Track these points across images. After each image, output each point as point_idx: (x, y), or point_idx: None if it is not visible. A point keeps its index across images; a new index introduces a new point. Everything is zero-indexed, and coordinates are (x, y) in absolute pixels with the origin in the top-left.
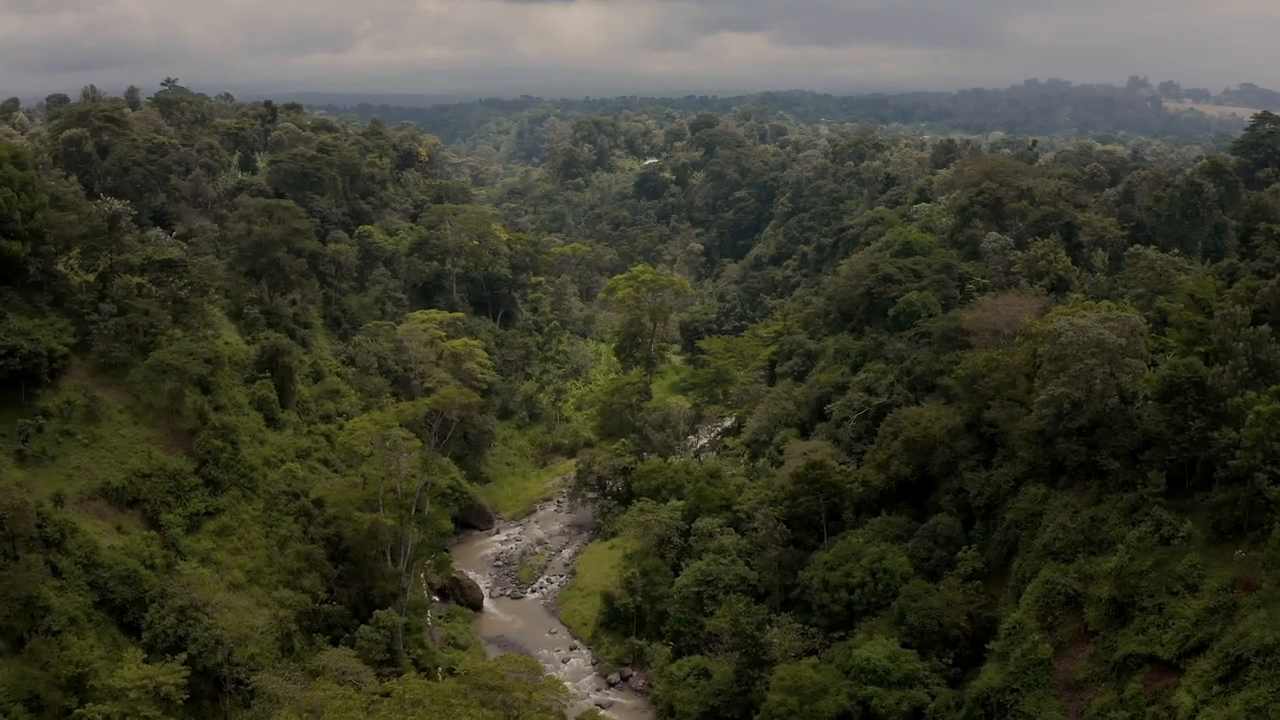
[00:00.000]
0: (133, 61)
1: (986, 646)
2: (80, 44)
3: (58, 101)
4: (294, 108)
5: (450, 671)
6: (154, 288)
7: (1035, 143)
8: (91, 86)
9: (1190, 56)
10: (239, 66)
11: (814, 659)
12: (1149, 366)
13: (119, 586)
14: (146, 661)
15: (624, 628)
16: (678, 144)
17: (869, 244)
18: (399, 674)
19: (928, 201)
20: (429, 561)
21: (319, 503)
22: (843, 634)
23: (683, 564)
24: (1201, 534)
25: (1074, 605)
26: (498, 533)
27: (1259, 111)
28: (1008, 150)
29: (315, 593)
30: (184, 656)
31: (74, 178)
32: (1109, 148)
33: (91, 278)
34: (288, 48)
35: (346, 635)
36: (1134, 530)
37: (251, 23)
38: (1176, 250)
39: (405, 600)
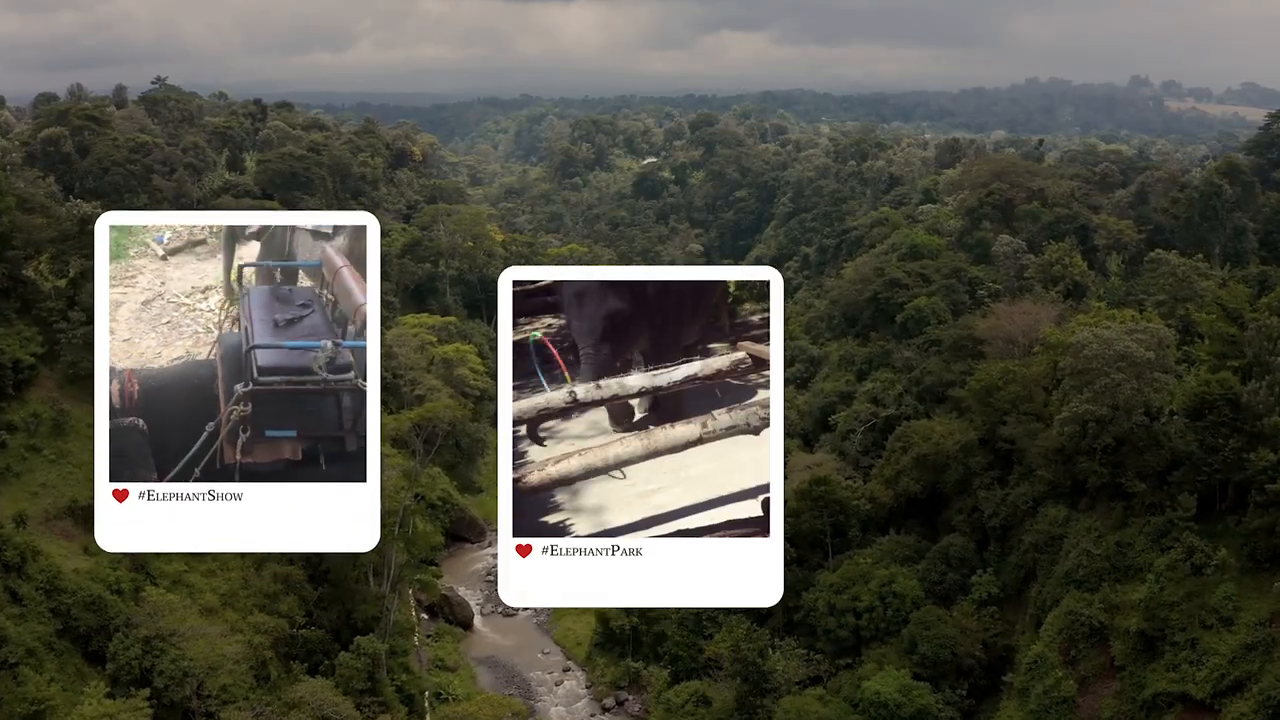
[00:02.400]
0: (132, 60)
1: (1003, 678)
2: (79, 43)
3: (45, 100)
4: (285, 106)
5: (437, 697)
6: None
7: (1042, 142)
8: (78, 84)
9: (1191, 56)
10: (239, 65)
11: (820, 689)
12: (1176, 379)
13: (83, 614)
14: (110, 695)
15: (620, 649)
16: (677, 143)
17: (873, 246)
18: (382, 704)
19: (934, 202)
20: (415, 581)
21: None
22: (850, 661)
23: None
24: (1236, 562)
25: (1099, 638)
26: (490, 545)
27: (1271, 111)
28: (1012, 150)
29: (293, 617)
30: (148, 691)
31: (51, 179)
32: (1114, 147)
33: (62, 283)
34: (287, 47)
35: (326, 662)
36: (1163, 557)
37: (251, 22)
38: (1200, 255)
39: (389, 624)
